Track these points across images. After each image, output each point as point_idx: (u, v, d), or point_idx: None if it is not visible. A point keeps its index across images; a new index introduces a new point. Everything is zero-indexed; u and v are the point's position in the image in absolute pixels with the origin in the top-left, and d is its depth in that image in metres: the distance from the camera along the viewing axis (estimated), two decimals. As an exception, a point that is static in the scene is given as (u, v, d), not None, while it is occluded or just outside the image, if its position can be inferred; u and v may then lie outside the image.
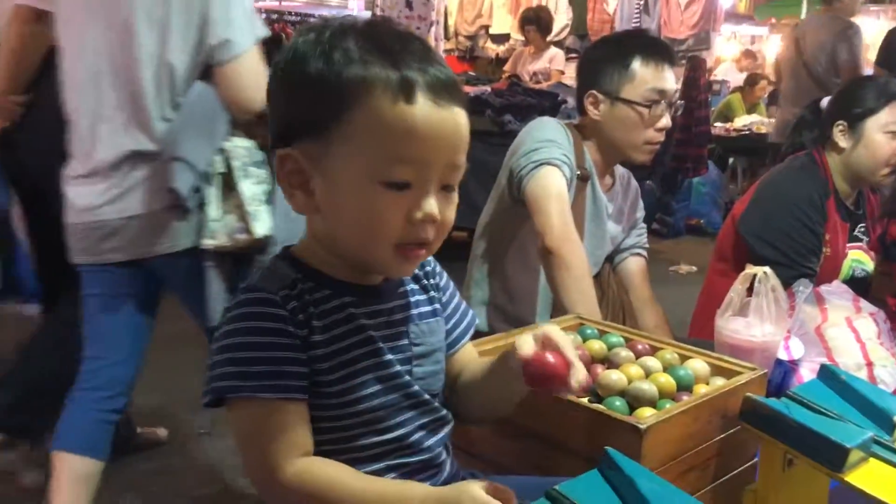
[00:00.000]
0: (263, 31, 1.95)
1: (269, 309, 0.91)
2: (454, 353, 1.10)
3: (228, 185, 1.92)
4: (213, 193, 1.90)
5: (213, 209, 1.90)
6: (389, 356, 0.97)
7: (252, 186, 1.92)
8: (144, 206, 1.87)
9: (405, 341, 1.00)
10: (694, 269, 5.52)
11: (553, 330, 0.96)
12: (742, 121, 7.66)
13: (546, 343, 0.94)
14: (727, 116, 8.17)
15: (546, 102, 5.30)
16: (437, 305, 1.07)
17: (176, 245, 1.91)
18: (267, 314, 0.91)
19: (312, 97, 0.90)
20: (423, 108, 0.88)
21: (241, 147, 1.94)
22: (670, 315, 2.29)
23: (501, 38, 9.28)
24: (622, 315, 2.17)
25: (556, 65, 6.97)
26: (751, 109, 8.37)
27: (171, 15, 1.81)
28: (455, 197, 0.96)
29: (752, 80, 8.92)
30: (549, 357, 0.91)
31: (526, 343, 0.93)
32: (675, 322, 2.38)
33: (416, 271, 1.05)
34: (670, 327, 2.21)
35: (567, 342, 0.95)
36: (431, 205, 0.91)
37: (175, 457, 2.73)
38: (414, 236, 0.92)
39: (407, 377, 0.99)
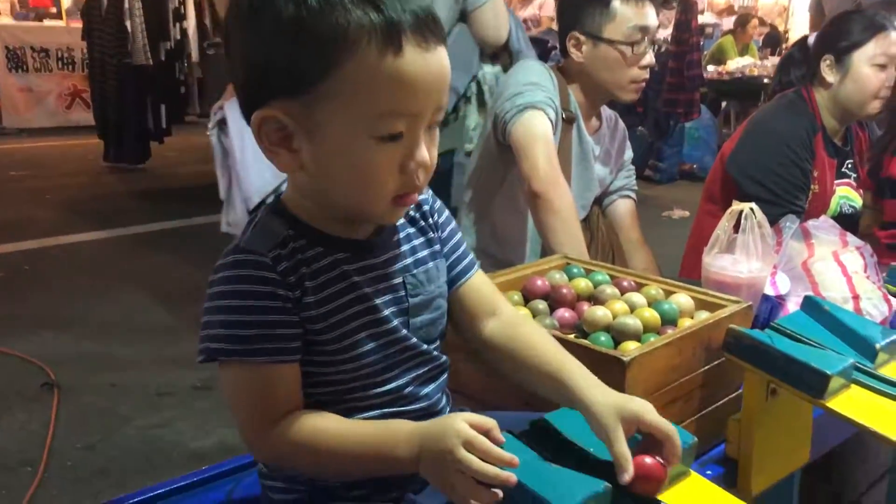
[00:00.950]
0: None
1: (258, 272, 0.88)
2: (460, 288, 1.07)
3: (481, 103, 2.62)
4: (471, 109, 2.61)
5: (472, 121, 2.63)
6: (385, 311, 0.96)
7: None
8: None
9: (401, 293, 0.98)
10: (686, 213, 5.53)
11: (644, 413, 0.90)
12: (735, 64, 7.60)
13: (641, 426, 0.90)
14: (720, 60, 8.11)
15: (536, 49, 5.24)
16: (437, 246, 1.04)
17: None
18: (257, 277, 0.88)
19: (291, 49, 0.83)
20: (411, 57, 0.84)
21: (490, 73, 2.65)
22: (663, 260, 2.29)
23: (490, -14, 9.14)
24: (612, 257, 2.18)
25: (545, 11, 6.90)
26: (743, 51, 8.29)
27: None
28: (437, 134, 0.93)
29: (743, 20, 8.83)
30: (647, 461, 0.87)
31: (627, 462, 0.86)
32: (668, 267, 2.39)
33: (413, 213, 1.03)
34: (659, 269, 2.21)
35: (661, 424, 0.90)
36: (424, 153, 0.89)
37: (171, 410, 2.75)
38: (409, 185, 0.90)
39: (404, 330, 0.97)
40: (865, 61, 2.12)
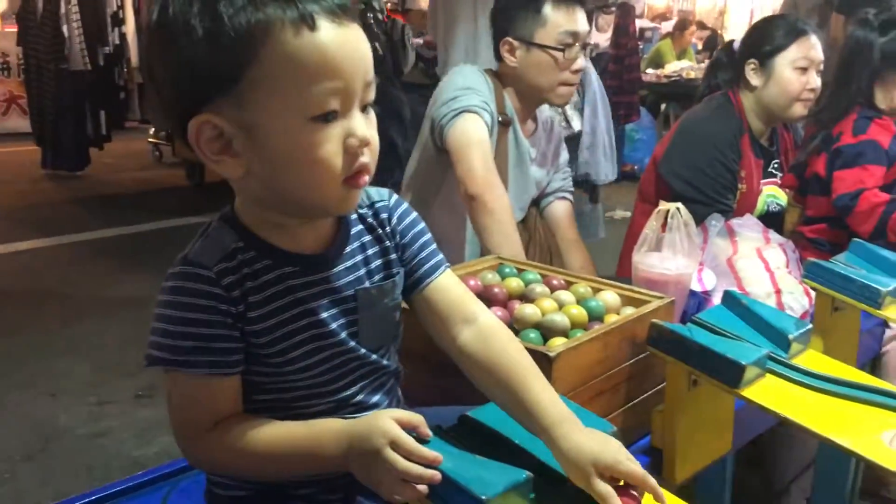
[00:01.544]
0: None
1: (202, 286, 0.89)
2: (424, 290, 1.05)
3: None
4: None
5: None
6: (332, 325, 0.95)
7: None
8: None
9: (352, 305, 0.97)
10: (628, 213, 5.60)
11: (617, 464, 0.90)
12: (672, 67, 7.76)
13: (615, 475, 0.90)
14: (658, 63, 8.26)
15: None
16: (393, 255, 1.03)
17: None
18: (200, 291, 0.89)
19: (211, 56, 0.84)
20: (326, 31, 0.84)
21: None
22: (606, 259, 2.34)
23: (433, -10, 9.20)
24: (549, 257, 2.22)
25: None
26: (681, 55, 8.48)
27: None
28: (374, 116, 0.93)
29: (682, 25, 9.04)
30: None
31: (612, 497, 0.88)
32: (610, 266, 2.44)
33: (371, 220, 1.02)
34: (596, 268, 2.27)
35: (636, 472, 0.90)
36: (362, 128, 0.89)
37: (113, 419, 2.73)
38: (356, 165, 0.90)
39: (352, 343, 0.97)
40: (787, 65, 2.20)
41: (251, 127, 0.87)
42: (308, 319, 0.94)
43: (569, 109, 3.41)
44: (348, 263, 0.98)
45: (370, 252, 1.01)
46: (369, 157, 0.91)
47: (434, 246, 1.07)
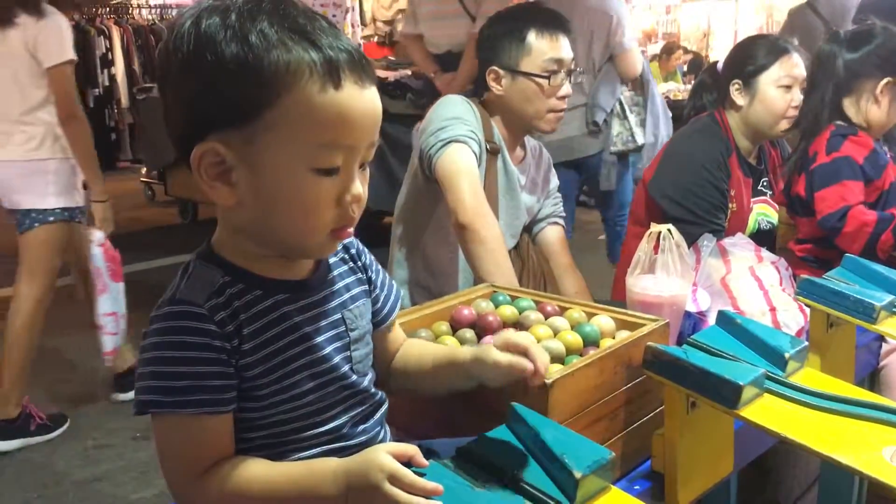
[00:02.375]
0: (636, 34, 3.75)
1: (194, 323, 0.89)
2: (384, 330, 1.12)
3: (622, 116, 3.72)
4: (615, 121, 3.71)
5: (615, 129, 3.71)
6: (327, 349, 0.97)
7: (634, 117, 3.74)
8: (578, 130, 3.61)
9: (342, 328, 1.00)
10: (621, 236, 5.63)
11: (512, 336, 1.06)
12: (659, 89, 7.81)
13: (511, 348, 1.04)
14: (645, 86, 8.33)
15: (465, 83, 5.33)
16: (366, 286, 1.08)
17: (590, 151, 3.67)
18: (191, 328, 0.89)
19: (234, 85, 0.86)
20: (350, 92, 0.87)
21: (627, 95, 3.75)
22: (600, 282, 2.33)
23: (419, 22, 9.27)
24: (543, 284, 2.22)
25: (474, 45, 7.02)
26: (667, 78, 8.56)
27: (595, 33, 3.59)
28: (368, 173, 0.96)
29: (669, 49, 9.17)
30: None
31: (523, 362, 1.03)
32: (606, 289, 2.44)
33: (343, 254, 1.06)
34: (590, 292, 2.27)
35: (522, 340, 1.05)
36: (358, 187, 0.92)
37: (110, 463, 2.70)
38: (345, 218, 0.93)
39: (345, 367, 0.99)
40: (771, 83, 2.22)
41: (255, 163, 0.88)
42: (304, 344, 0.96)
43: (634, 126, 3.73)
44: (333, 288, 1.02)
45: (348, 280, 1.05)
46: (357, 212, 0.95)
47: (393, 283, 1.15)
